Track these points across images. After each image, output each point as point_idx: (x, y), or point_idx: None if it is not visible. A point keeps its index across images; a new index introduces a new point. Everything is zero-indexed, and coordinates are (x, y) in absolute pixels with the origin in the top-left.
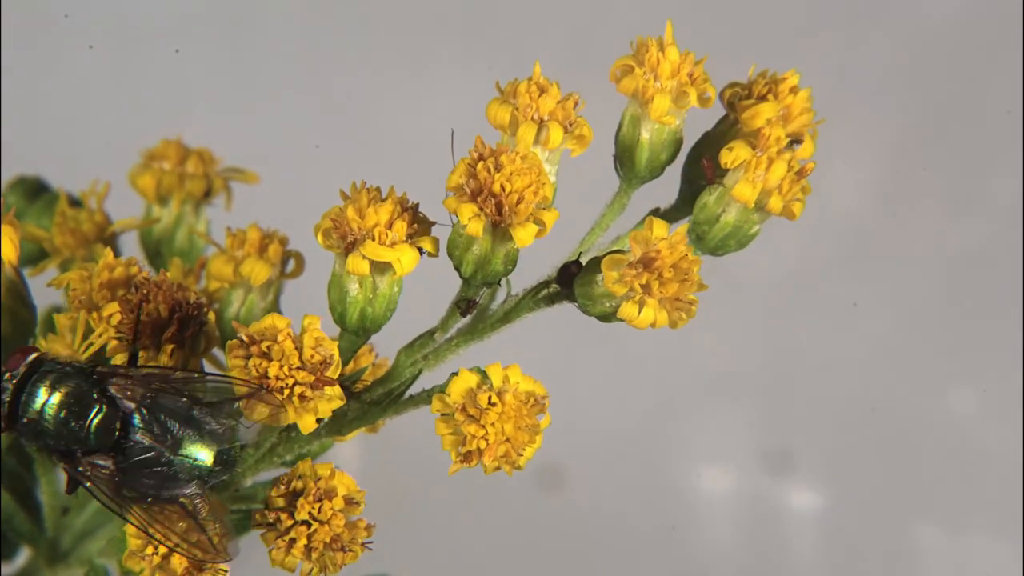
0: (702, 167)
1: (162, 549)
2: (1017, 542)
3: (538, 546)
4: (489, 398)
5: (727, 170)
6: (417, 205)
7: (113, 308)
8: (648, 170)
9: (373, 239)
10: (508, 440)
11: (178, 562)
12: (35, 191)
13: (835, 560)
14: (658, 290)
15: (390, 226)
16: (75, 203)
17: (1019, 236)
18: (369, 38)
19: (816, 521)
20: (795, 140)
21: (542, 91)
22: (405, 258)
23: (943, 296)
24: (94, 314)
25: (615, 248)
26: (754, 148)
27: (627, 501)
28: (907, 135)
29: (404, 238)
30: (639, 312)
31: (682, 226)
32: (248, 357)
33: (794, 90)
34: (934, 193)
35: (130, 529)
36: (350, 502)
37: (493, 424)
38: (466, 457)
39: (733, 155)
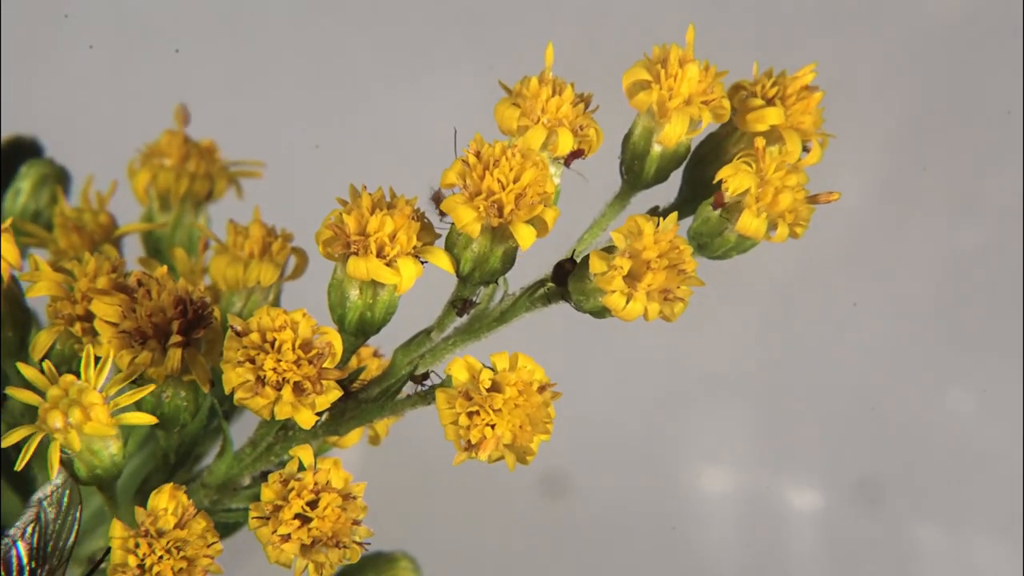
0: (712, 196)
1: (148, 561)
2: (1017, 542)
3: (538, 545)
4: (493, 382)
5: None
6: (423, 214)
7: (115, 301)
8: (655, 179)
9: (375, 254)
10: (516, 427)
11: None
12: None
13: (835, 560)
14: (647, 280)
15: (393, 237)
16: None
17: (1019, 236)
18: (369, 37)
19: (816, 521)
20: (804, 149)
21: (552, 93)
22: (406, 273)
23: (943, 296)
24: (76, 325)
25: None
26: (757, 169)
27: (627, 501)
28: (907, 135)
29: (408, 250)
30: (626, 303)
31: (671, 215)
32: (243, 348)
33: (802, 94)
34: (934, 193)
35: (114, 542)
36: (347, 497)
37: (498, 409)
38: (470, 445)
39: (736, 183)
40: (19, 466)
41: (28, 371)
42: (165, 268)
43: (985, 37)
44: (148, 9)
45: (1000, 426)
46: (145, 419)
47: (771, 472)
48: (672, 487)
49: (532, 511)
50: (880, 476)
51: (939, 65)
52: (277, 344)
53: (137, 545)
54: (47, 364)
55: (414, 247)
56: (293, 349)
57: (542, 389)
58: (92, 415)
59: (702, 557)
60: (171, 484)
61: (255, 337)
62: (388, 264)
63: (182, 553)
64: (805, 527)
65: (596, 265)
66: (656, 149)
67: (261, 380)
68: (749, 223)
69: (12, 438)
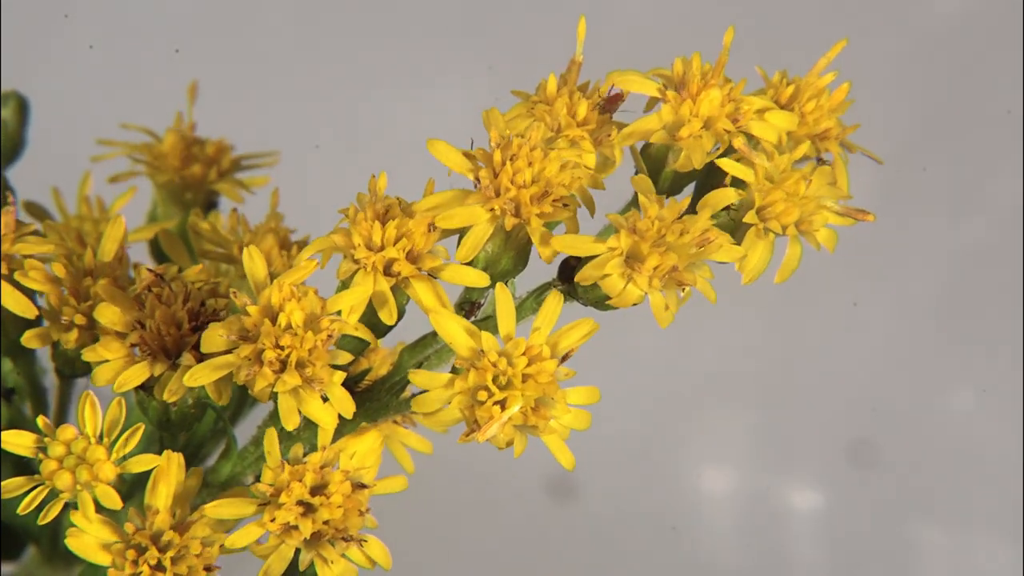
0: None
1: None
2: (1017, 542)
3: (538, 544)
4: (500, 353)
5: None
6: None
7: (123, 308)
8: (669, 192)
9: (383, 272)
10: (528, 404)
11: None
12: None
13: (835, 560)
14: (652, 261)
15: (410, 255)
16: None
17: (1019, 236)
18: (369, 37)
19: (816, 521)
20: (820, 159)
21: (571, 100)
22: (426, 298)
23: (943, 296)
24: (74, 332)
25: None
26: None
27: (627, 501)
28: (907, 135)
29: (425, 269)
30: (624, 286)
31: (672, 199)
32: (240, 322)
33: (815, 97)
34: (934, 193)
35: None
36: (358, 486)
37: (505, 385)
38: (476, 425)
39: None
40: (43, 520)
41: (20, 437)
42: (199, 267)
43: (986, 37)
44: (148, 9)
45: (1000, 426)
46: (151, 461)
47: (771, 472)
48: (672, 487)
49: (532, 510)
50: (880, 476)
51: (939, 65)
52: (281, 322)
53: (127, 555)
54: (42, 419)
55: (432, 267)
56: (295, 328)
57: (557, 358)
58: (100, 474)
59: (702, 557)
60: (162, 457)
61: (254, 310)
62: (396, 286)
63: (184, 563)
64: (805, 527)
65: (596, 248)
66: (671, 168)
67: (259, 358)
68: (753, 246)
69: (12, 491)
